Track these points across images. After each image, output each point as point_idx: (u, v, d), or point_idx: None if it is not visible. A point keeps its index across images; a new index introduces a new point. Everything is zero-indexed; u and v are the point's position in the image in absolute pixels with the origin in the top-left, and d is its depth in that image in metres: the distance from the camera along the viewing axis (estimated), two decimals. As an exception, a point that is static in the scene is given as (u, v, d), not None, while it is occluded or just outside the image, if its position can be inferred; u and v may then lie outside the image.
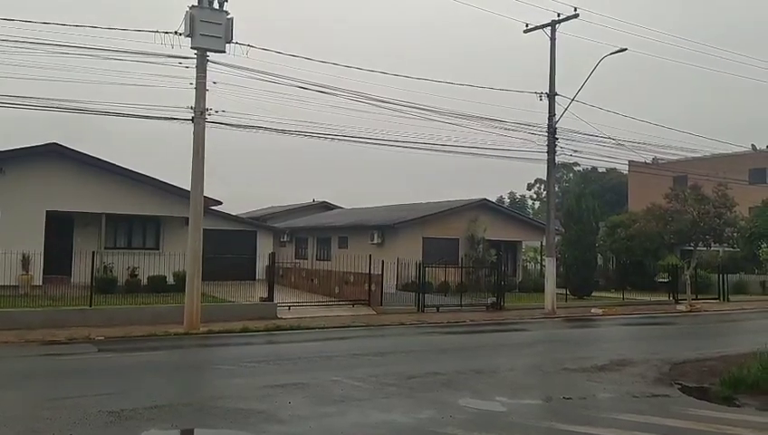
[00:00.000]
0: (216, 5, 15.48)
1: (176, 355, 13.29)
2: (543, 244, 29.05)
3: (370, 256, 21.90)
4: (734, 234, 29.04)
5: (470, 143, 23.44)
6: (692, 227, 26.49)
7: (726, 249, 34.69)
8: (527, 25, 22.95)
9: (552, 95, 22.69)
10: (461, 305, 22.15)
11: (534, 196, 78.20)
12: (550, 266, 23.12)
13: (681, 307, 25.11)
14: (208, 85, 15.85)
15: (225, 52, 15.67)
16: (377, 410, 8.11)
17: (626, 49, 22.33)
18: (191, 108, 15.84)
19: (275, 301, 19.10)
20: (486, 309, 22.23)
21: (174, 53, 15.38)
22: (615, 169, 53.13)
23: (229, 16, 15.60)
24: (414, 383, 9.65)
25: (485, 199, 33.76)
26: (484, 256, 29.16)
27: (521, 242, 34.40)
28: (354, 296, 21.85)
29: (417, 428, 7.40)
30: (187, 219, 17.20)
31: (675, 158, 32.74)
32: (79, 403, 8.07)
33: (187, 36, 15.30)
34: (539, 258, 34.25)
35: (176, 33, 15.18)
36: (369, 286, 21.43)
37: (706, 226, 26.47)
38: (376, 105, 19.47)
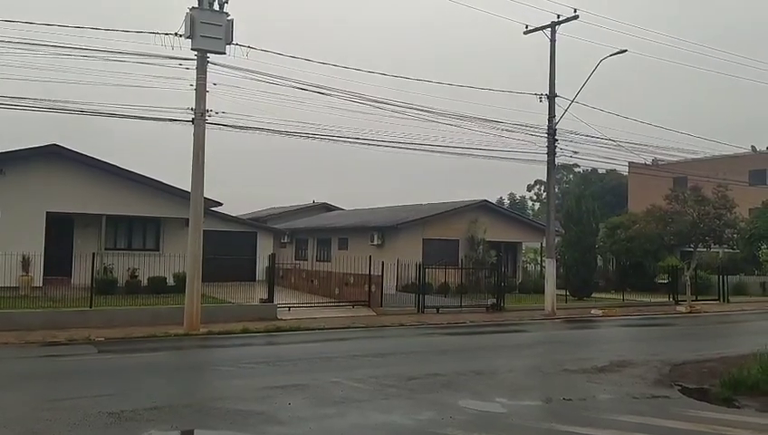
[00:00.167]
0: (216, 7, 15.49)
1: (176, 356, 13.30)
2: (543, 245, 29.07)
3: (370, 257, 21.91)
4: (734, 235, 29.06)
5: (470, 144, 23.42)
6: (692, 228, 26.50)
7: (726, 250, 34.70)
8: (527, 27, 22.97)
9: (551, 96, 22.70)
10: (461, 307, 22.15)
11: (534, 197, 78.27)
12: (550, 268, 23.13)
13: (681, 308, 25.10)
14: (208, 86, 15.87)
15: (225, 53, 15.69)
16: (377, 411, 8.11)
17: (626, 50, 22.37)
18: (191, 109, 15.86)
19: (275, 302, 19.10)
20: (486, 310, 22.23)
21: (174, 55, 15.43)
22: (615, 170, 53.22)
23: (229, 18, 15.62)
24: (414, 384, 9.65)
25: (485, 201, 33.78)
26: (484, 258, 29.15)
27: (521, 243, 34.42)
28: (354, 297, 21.85)
29: (417, 429, 7.40)
30: (187, 220, 17.21)
31: (674, 159, 32.77)
32: (79, 404, 8.07)
33: (188, 38, 15.32)
34: (539, 259, 34.26)
35: (176, 34, 15.21)
36: (369, 287, 21.43)
37: (706, 227, 26.47)
38: (376, 106, 19.52)
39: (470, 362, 12.19)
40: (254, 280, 27.10)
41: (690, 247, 28.53)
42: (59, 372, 11.14)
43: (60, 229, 23.19)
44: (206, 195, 16.85)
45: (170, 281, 21.51)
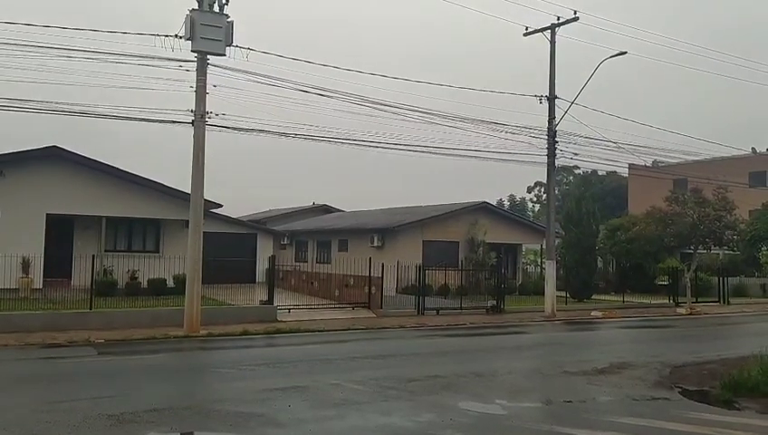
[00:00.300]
0: (216, 9, 15.50)
1: (176, 358, 13.28)
2: (543, 247, 29.08)
3: (370, 258, 21.90)
4: (735, 237, 29.05)
5: (470, 146, 23.45)
6: (692, 229, 26.49)
7: (726, 252, 34.70)
8: (527, 29, 22.98)
9: (551, 98, 22.71)
10: (461, 308, 22.14)
11: (534, 199, 78.28)
12: (550, 269, 23.12)
13: (681, 310, 25.10)
14: (209, 88, 15.88)
15: (225, 55, 15.70)
16: (377, 413, 8.10)
17: (625, 52, 22.40)
18: (191, 111, 15.87)
19: (275, 304, 19.09)
20: (486, 312, 22.22)
21: (174, 57, 15.44)
22: (615, 172, 53.23)
23: (229, 20, 15.62)
24: (414, 386, 9.65)
25: (485, 202, 33.78)
26: (484, 259, 29.14)
27: (521, 245, 34.41)
28: (354, 299, 21.84)
29: (417, 431, 7.40)
30: (187, 222, 17.21)
31: (675, 161, 32.83)
32: (78, 406, 8.06)
33: (188, 39, 15.33)
34: (539, 261, 34.25)
35: (176, 36, 15.22)
36: (369, 289, 21.42)
37: (706, 229, 26.46)
38: (376, 108, 19.54)
39: (470, 363, 12.19)
40: (254, 282, 27.12)
41: (690, 249, 28.51)
42: (58, 373, 11.13)
43: (60, 231, 23.19)
44: (206, 196, 16.85)
45: (170, 283, 21.51)
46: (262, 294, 20.37)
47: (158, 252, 24.68)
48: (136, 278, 22.61)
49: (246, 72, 16.35)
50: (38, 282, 21.02)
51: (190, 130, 16.00)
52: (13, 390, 9.56)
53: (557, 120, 22.61)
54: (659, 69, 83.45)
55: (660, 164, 36.79)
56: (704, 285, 29.96)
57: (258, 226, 34.87)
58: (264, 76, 16.77)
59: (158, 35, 15.00)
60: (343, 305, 21.69)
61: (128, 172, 23.27)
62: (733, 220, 26.95)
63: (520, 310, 23.07)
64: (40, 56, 15.25)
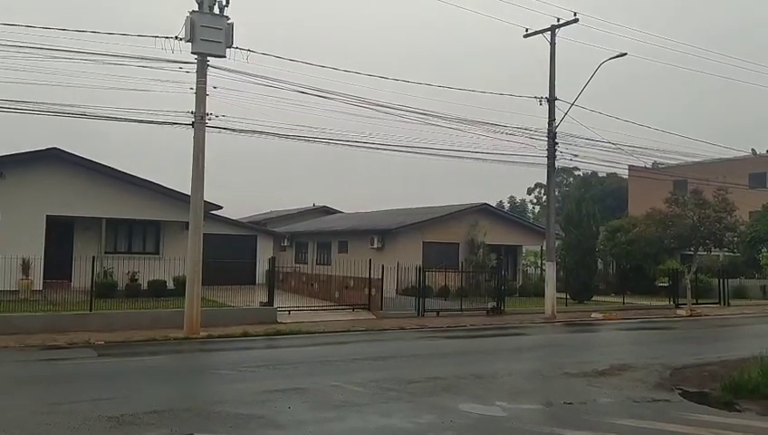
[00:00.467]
0: (216, 11, 15.51)
1: (176, 360, 13.27)
2: (544, 248, 29.06)
3: (370, 260, 21.90)
4: (735, 238, 29.07)
5: (470, 147, 23.47)
6: (692, 231, 26.50)
7: (727, 254, 34.69)
8: (527, 30, 23.00)
9: (551, 100, 22.72)
10: (461, 310, 22.13)
11: (534, 200, 78.30)
12: (550, 271, 23.11)
13: (681, 312, 25.08)
14: (209, 90, 15.89)
15: (225, 56, 15.71)
16: (377, 414, 8.09)
17: (625, 54, 22.41)
18: (191, 112, 15.88)
19: (275, 305, 19.08)
20: (486, 313, 22.22)
21: (174, 58, 15.44)
22: (615, 173, 53.23)
23: (229, 21, 15.63)
24: (414, 388, 9.64)
25: (486, 204, 33.77)
26: (485, 261, 29.14)
27: (521, 246, 34.40)
28: (354, 301, 21.84)
29: (417, 432, 7.39)
30: (187, 224, 17.20)
31: (675, 162, 32.83)
32: (78, 408, 8.05)
33: (188, 41, 15.33)
34: (539, 263, 34.25)
35: (176, 38, 15.22)
36: (369, 291, 21.42)
37: (707, 230, 26.47)
38: (376, 109, 19.54)
39: (470, 365, 12.18)
40: (254, 283, 27.12)
41: (690, 251, 28.51)
42: (58, 375, 11.12)
43: (60, 232, 23.19)
44: (207, 198, 16.87)
45: (170, 284, 21.50)
46: (262, 296, 20.36)
47: (158, 253, 24.68)
48: (136, 280, 22.61)
49: (246, 73, 16.38)
50: (38, 283, 21.03)
51: (185, 131, 16.03)
52: (12, 391, 9.55)
53: (557, 121, 22.62)
54: (659, 70, 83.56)
55: (660, 165, 36.77)
56: (704, 286, 29.95)
57: (258, 227, 34.88)
58: (264, 78, 16.79)
59: (158, 37, 15.01)
60: (343, 307, 21.68)
61: (128, 174, 23.28)
62: (733, 222, 26.97)
63: (520, 311, 23.06)
64: (39, 58, 15.26)
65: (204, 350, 14.28)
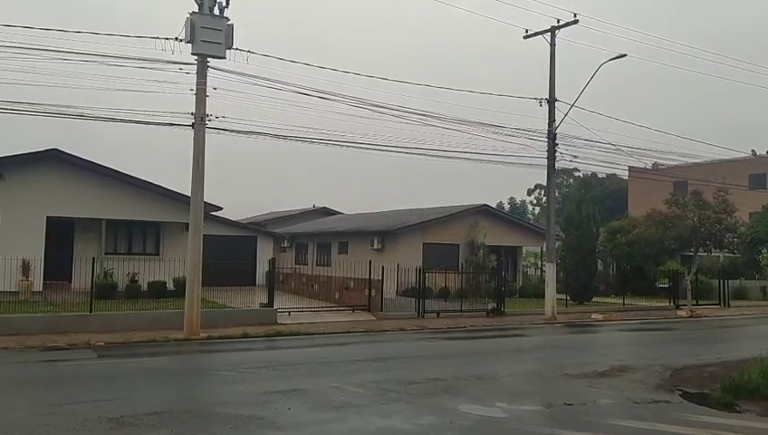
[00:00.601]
0: (216, 12, 15.51)
1: (176, 361, 13.27)
2: (544, 249, 29.04)
3: (370, 261, 21.89)
4: (735, 239, 29.05)
5: (470, 148, 23.46)
6: (692, 232, 26.49)
7: (727, 255, 34.68)
8: (527, 31, 23.00)
9: (551, 101, 22.72)
10: (461, 311, 22.12)
11: (534, 201, 78.24)
12: (550, 272, 23.10)
13: (682, 313, 25.08)
14: (209, 91, 15.90)
15: (225, 58, 15.71)
16: (377, 416, 8.09)
17: (625, 55, 22.42)
18: (191, 114, 15.88)
19: (275, 306, 19.08)
20: (487, 314, 22.21)
21: (174, 59, 15.45)
22: (615, 174, 53.20)
23: (229, 23, 15.64)
24: (414, 389, 9.63)
25: (486, 205, 33.78)
26: (485, 262, 29.13)
27: (521, 247, 34.41)
28: (354, 302, 21.83)
29: (417, 434, 7.39)
30: (187, 225, 17.19)
31: (675, 163, 32.80)
32: (78, 409, 8.05)
33: (188, 42, 15.34)
34: (539, 264, 34.25)
35: (176, 39, 15.22)
36: (370, 292, 21.41)
37: (707, 231, 26.47)
38: (376, 111, 19.54)
39: (470, 366, 12.18)
40: (255, 284, 27.13)
41: (691, 252, 28.51)
42: (58, 376, 11.12)
43: (60, 234, 23.19)
44: (207, 199, 16.87)
45: (170, 285, 21.49)
46: (262, 297, 20.36)
47: (158, 255, 24.67)
48: (136, 281, 22.61)
49: (246, 74, 16.38)
50: (38, 285, 21.02)
51: (184, 133, 16.05)
52: (12, 392, 9.55)
53: (557, 122, 22.61)
54: (659, 71, 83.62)
55: (660, 166, 36.75)
56: (704, 287, 29.94)
57: (258, 228, 34.89)
58: (264, 79, 16.78)
59: (158, 38, 15.01)
60: (343, 308, 21.67)
61: (128, 175, 23.29)
62: (733, 223, 26.97)
63: (520, 313, 23.06)
64: (37, 58, 15.26)
65: (204, 351, 14.27)
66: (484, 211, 32.67)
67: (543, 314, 22.31)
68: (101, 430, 7.16)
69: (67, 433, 7.05)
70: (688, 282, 26.55)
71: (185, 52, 15.43)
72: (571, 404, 8.82)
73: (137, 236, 25.53)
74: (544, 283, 24.06)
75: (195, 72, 15.73)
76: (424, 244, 29.86)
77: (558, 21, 22.42)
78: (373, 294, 21.32)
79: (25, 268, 20.27)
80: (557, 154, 22.90)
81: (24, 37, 14.74)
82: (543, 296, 23.08)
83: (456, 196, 75.73)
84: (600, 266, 34.41)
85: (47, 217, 21.91)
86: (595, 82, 22.11)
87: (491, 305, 22.71)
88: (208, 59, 15.75)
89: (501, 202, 76.81)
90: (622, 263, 34.18)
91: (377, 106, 19.42)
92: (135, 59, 15.61)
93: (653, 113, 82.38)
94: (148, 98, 19.04)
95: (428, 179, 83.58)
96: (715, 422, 7.98)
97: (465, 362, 13.11)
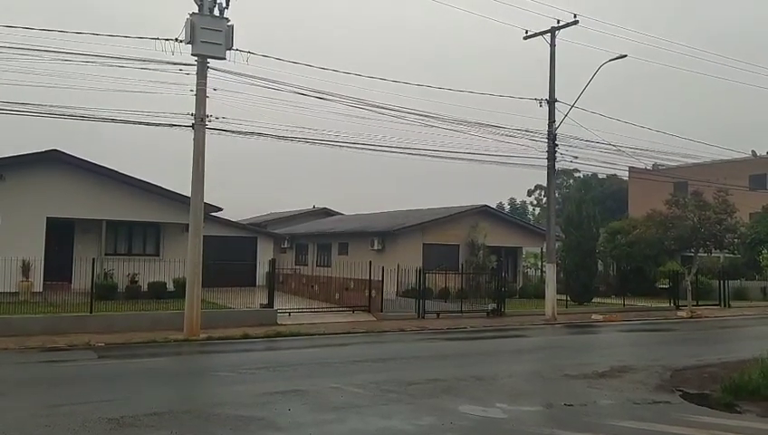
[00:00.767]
0: (216, 13, 15.52)
1: (176, 362, 13.27)
2: (544, 250, 29.04)
3: (371, 262, 21.89)
4: (735, 240, 29.07)
5: (470, 149, 23.44)
6: (692, 233, 26.50)
7: (727, 255, 34.68)
8: (527, 32, 23.01)
9: (551, 102, 22.71)
10: (461, 312, 22.12)
11: (535, 202, 78.20)
12: (550, 273, 23.10)
13: (682, 313, 25.07)
14: (209, 92, 15.90)
15: (225, 58, 15.72)
16: (377, 416, 8.09)
17: (625, 55, 22.43)
18: (191, 114, 15.88)
19: (275, 307, 19.07)
20: (487, 315, 22.21)
21: (174, 60, 15.46)
22: (615, 175, 53.21)
23: (229, 23, 15.64)
24: (414, 390, 9.63)
25: (486, 205, 33.79)
26: (485, 263, 29.13)
27: (521, 248, 34.40)
28: (354, 303, 21.82)
29: (417, 434, 7.38)
30: (187, 226, 17.19)
31: (675, 164, 32.82)
32: (78, 410, 8.05)
33: (188, 43, 15.34)
34: (539, 264, 34.25)
35: (176, 40, 15.23)
36: (370, 293, 21.40)
37: (707, 232, 26.48)
38: (375, 111, 19.54)
39: (470, 367, 12.17)
40: (255, 285, 27.12)
41: (691, 252, 28.52)
42: (58, 377, 11.11)
43: (60, 234, 23.20)
44: (206, 200, 16.86)
45: (170, 286, 21.49)
46: (262, 298, 20.35)
47: (158, 255, 24.66)
48: (136, 282, 22.60)
49: (246, 75, 16.39)
50: (38, 285, 21.03)
51: (183, 133, 16.05)
52: (12, 393, 9.55)
53: (557, 123, 22.61)
54: (659, 71, 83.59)
55: (661, 167, 36.77)
56: (704, 288, 29.93)
57: (258, 229, 34.89)
58: (264, 79, 16.79)
59: (158, 39, 15.02)
60: (343, 309, 21.67)
61: (128, 176, 23.30)
62: (733, 223, 26.98)
63: (520, 313, 23.05)
64: (37, 59, 15.26)
65: (204, 352, 14.27)
66: (484, 212, 32.67)
67: (544, 314, 22.30)
68: (101, 431, 7.16)
69: (67, 434, 7.05)
70: (689, 282, 26.54)
71: (185, 52, 15.46)
72: (571, 405, 8.82)
73: (137, 237, 25.53)
74: (544, 283, 24.05)
75: (195, 72, 15.74)
76: (424, 244, 29.86)
77: (558, 21, 22.45)
78: (373, 295, 21.32)
79: (25, 269, 20.27)
80: (557, 155, 22.90)
81: (24, 37, 14.77)
82: (544, 297, 23.07)
83: (455, 196, 75.75)
84: (600, 267, 34.41)
85: (47, 217, 21.93)
86: (595, 83, 22.14)
87: (491, 306, 22.71)
88: (208, 60, 15.76)
89: (501, 203, 76.78)
90: (622, 263, 34.18)
91: (376, 106, 19.44)
92: (135, 60, 15.63)
93: (652, 113, 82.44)
94: (149, 99, 19.00)
95: (428, 180, 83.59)
96: (716, 423, 7.98)
97: (465, 362, 13.11)
